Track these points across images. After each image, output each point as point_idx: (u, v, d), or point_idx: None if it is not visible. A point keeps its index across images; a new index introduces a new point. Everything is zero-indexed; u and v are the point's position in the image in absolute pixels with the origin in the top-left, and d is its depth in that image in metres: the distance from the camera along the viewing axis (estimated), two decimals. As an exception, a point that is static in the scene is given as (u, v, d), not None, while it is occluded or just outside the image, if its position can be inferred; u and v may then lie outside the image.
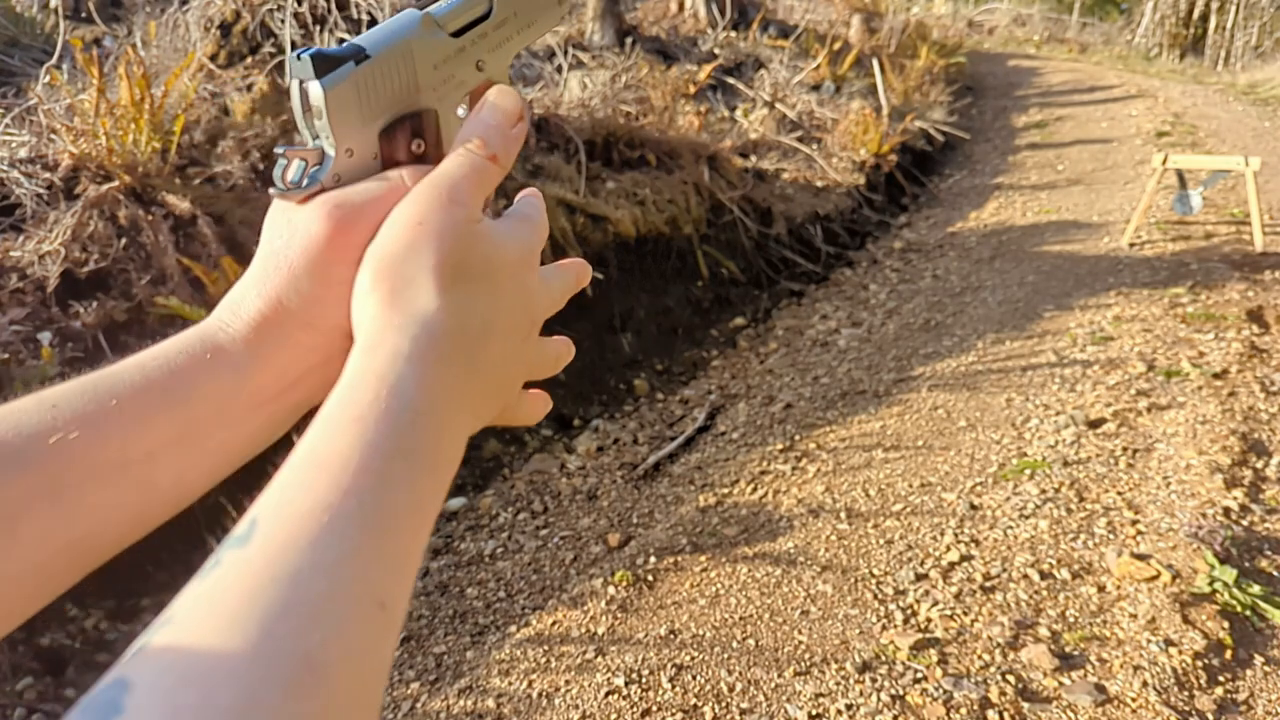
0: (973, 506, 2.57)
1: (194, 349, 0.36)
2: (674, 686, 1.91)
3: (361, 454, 0.29)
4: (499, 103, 0.39)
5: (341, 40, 4.02)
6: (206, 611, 0.24)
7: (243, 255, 3.01)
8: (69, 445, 0.33)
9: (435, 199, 0.35)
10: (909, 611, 2.11)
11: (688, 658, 2.00)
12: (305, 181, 0.36)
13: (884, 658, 1.95)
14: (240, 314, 0.37)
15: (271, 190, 0.36)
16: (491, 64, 0.41)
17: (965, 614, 2.08)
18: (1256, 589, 2.08)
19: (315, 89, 0.34)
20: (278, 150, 0.36)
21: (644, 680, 1.94)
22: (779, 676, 1.92)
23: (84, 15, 5.04)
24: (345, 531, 0.27)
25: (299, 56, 0.35)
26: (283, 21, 3.98)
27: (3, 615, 0.32)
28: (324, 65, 0.34)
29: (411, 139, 0.39)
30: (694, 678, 1.94)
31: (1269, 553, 2.25)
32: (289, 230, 0.36)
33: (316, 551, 0.26)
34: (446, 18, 0.38)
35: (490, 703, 1.92)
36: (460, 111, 0.41)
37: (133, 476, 0.34)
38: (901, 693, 1.84)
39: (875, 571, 2.29)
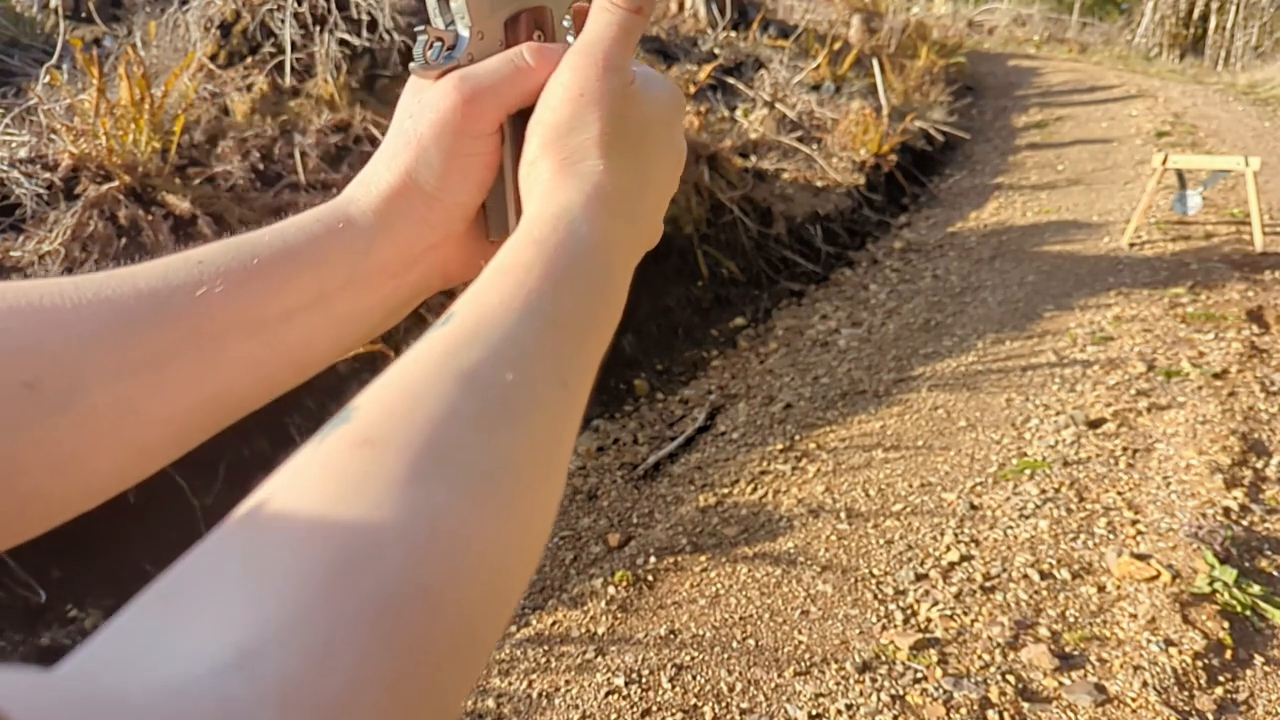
0: (973, 506, 2.57)
1: (328, 219, 0.39)
2: (674, 686, 1.91)
3: (542, 265, 0.32)
4: None
5: (342, 41, 4.01)
6: (411, 359, 0.27)
7: (243, 255, 3.01)
8: (213, 299, 0.35)
9: (591, 68, 0.37)
10: (909, 611, 2.11)
11: (688, 658, 2.00)
12: (442, 59, 0.39)
13: (884, 658, 1.95)
14: (371, 188, 0.39)
15: (411, 65, 0.39)
16: None
17: (965, 614, 2.08)
18: (1256, 589, 2.08)
19: None
20: (418, 29, 0.39)
21: (644, 680, 1.94)
22: (779, 676, 1.92)
23: (84, 15, 5.04)
24: (532, 316, 0.30)
25: None
26: (283, 21, 3.97)
27: (148, 455, 0.35)
28: None
29: (533, 30, 0.42)
30: (694, 678, 1.94)
31: (1269, 553, 2.25)
32: (419, 108, 0.39)
33: (507, 328, 0.29)
34: None
35: (490, 703, 1.92)
36: (566, 22, 0.43)
37: (268, 335, 0.37)
38: (901, 693, 1.84)
39: (875, 571, 2.29)
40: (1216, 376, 3.29)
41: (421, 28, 0.39)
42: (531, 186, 0.37)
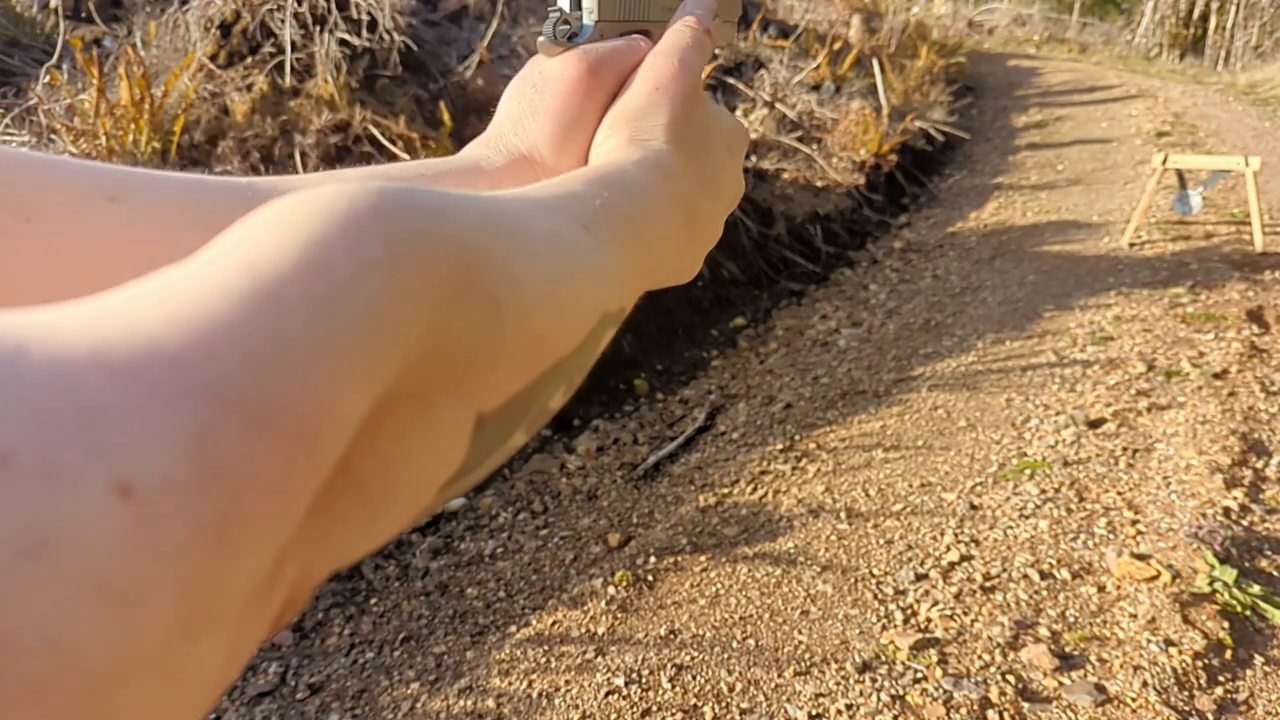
0: (973, 506, 2.57)
1: (462, 168, 0.41)
2: (674, 686, 1.91)
3: (583, 172, 0.33)
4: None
5: (342, 41, 4.00)
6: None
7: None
8: None
9: (668, 67, 0.41)
10: (909, 611, 2.11)
11: (688, 658, 2.00)
12: (565, 39, 0.43)
13: (884, 658, 1.95)
14: (501, 149, 0.41)
15: (541, 38, 0.43)
16: None
17: (965, 614, 2.08)
18: (1256, 589, 2.08)
19: None
20: (551, 9, 0.43)
21: (644, 680, 1.94)
22: (779, 676, 1.92)
23: (84, 15, 5.04)
24: (560, 186, 0.31)
25: None
26: (283, 21, 3.97)
27: None
28: None
29: None
30: (694, 678, 1.94)
31: (1269, 553, 2.25)
32: (542, 80, 0.41)
33: (535, 190, 0.30)
34: None
35: (490, 703, 1.92)
36: None
37: None
38: (901, 693, 1.84)
39: (875, 571, 2.29)
40: (1216, 376, 3.29)
41: (555, 9, 0.43)
42: (599, 150, 0.39)
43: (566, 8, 0.44)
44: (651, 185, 0.35)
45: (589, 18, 0.43)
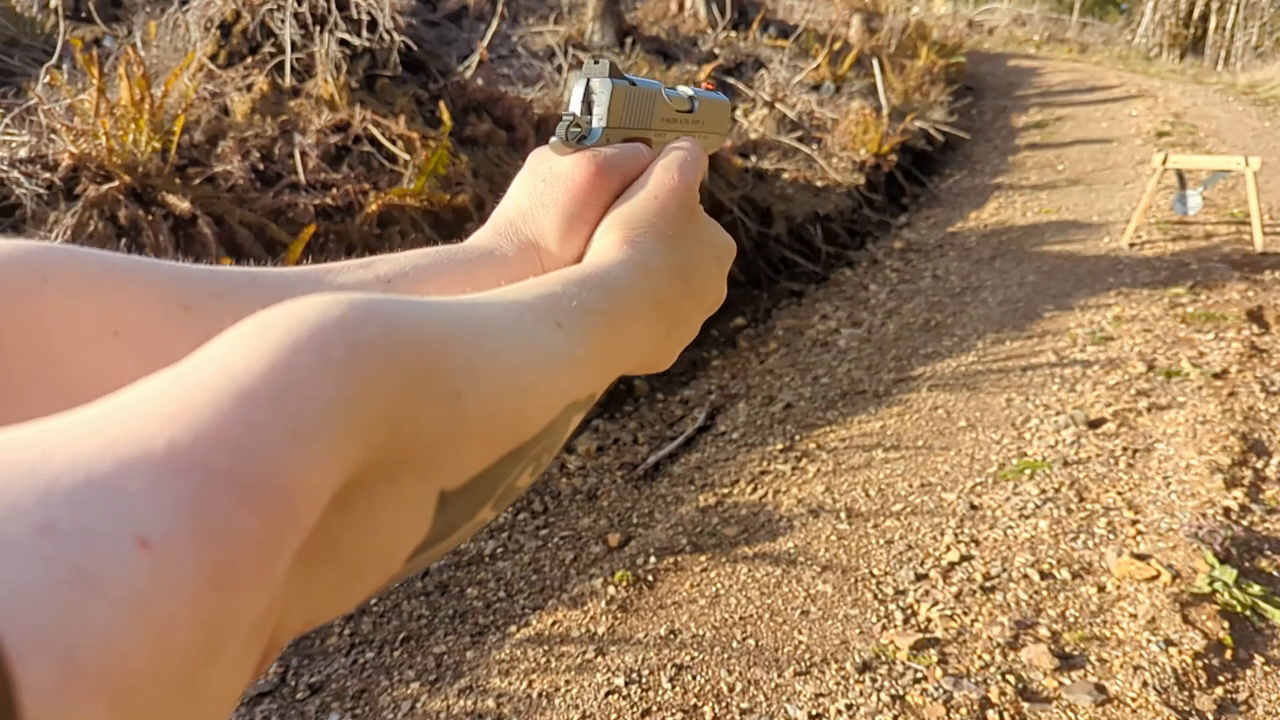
0: (973, 506, 2.57)
1: (478, 256, 0.44)
2: (674, 686, 1.91)
3: (566, 273, 0.37)
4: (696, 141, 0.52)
5: (342, 41, 4.00)
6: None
7: (242, 255, 3.01)
8: (409, 286, 0.40)
9: (668, 178, 0.45)
10: (909, 611, 2.11)
11: (688, 658, 2.00)
12: (575, 142, 0.47)
13: (884, 658, 1.95)
14: (512, 239, 0.45)
15: (553, 140, 0.47)
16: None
17: (965, 614, 2.08)
18: (1256, 589, 2.08)
19: (606, 83, 0.48)
20: (565, 114, 0.47)
21: (644, 680, 1.94)
22: (779, 676, 1.92)
23: (84, 15, 5.04)
24: (542, 286, 0.34)
25: (596, 60, 0.49)
26: (283, 21, 3.97)
27: None
28: (615, 72, 0.49)
29: None
30: (694, 678, 1.94)
31: (1269, 553, 2.25)
32: (553, 175, 0.45)
33: (517, 289, 0.34)
34: (673, 99, 0.55)
35: (490, 703, 1.92)
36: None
37: None
38: (901, 693, 1.84)
39: (875, 571, 2.29)
40: (1216, 376, 3.29)
41: (569, 113, 0.48)
42: (595, 248, 0.43)
43: (578, 112, 0.48)
44: (633, 286, 0.39)
45: (598, 123, 0.48)
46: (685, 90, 0.57)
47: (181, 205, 2.96)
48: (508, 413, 0.28)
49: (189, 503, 0.17)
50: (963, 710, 1.77)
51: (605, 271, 0.39)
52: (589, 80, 0.49)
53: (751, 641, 2.04)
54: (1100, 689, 1.80)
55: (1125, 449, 2.81)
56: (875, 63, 8.34)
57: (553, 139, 0.47)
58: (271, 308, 0.22)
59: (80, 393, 0.28)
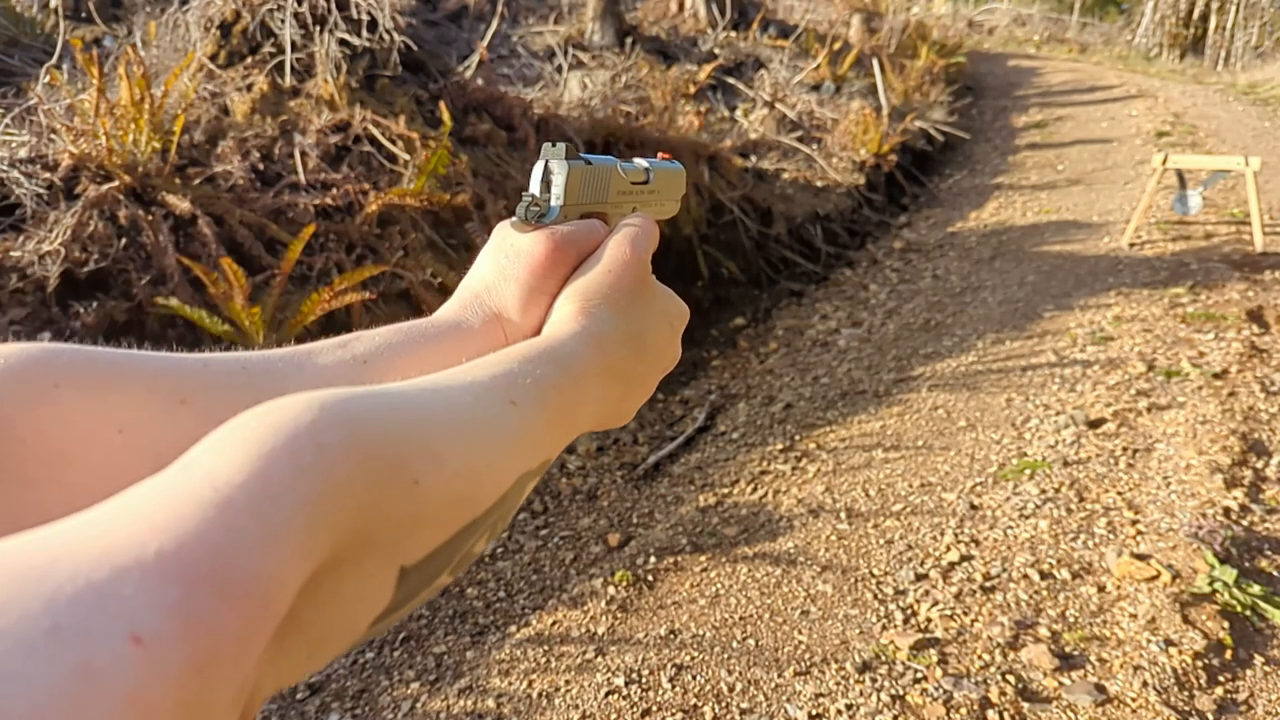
0: (973, 506, 2.57)
1: (445, 329, 0.47)
2: (674, 686, 1.91)
3: (523, 349, 0.40)
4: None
5: (342, 41, 4.00)
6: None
7: (242, 255, 3.01)
8: (379, 373, 0.43)
9: (621, 253, 0.49)
10: (909, 611, 2.11)
11: (688, 658, 2.00)
12: (535, 220, 0.51)
13: (884, 658, 1.95)
14: (477, 311, 0.48)
15: (512, 220, 0.50)
16: (639, 210, 0.62)
17: (965, 614, 2.08)
18: (1256, 589, 2.08)
19: (562, 165, 0.51)
20: (524, 193, 0.51)
21: (644, 680, 1.94)
22: (779, 676, 1.92)
23: (84, 15, 5.04)
24: (495, 364, 0.37)
25: (554, 144, 0.52)
26: (283, 21, 3.97)
27: None
28: (570, 154, 0.52)
29: None
30: (694, 678, 1.94)
31: (1269, 553, 2.25)
32: (514, 252, 0.48)
33: (474, 366, 0.37)
34: (628, 172, 0.58)
35: (490, 703, 1.92)
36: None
37: None
38: (901, 693, 1.84)
39: (875, 571, 2.29)
40: (1216, 376, 3.29)
41: (528, 194, 0.51)
42: (553, 319, 0.46)
43: (537, 193, 0.51)
44: (586, 357, 0.43)
45: (555, 202, 0.51)
46: (641, 163, 0.60)
47: (181, 205, 2.96)
48: (462, 492, 0.31)
49: (176, 604, 0.20)
50: (963, 710, 1.77)
51: (560, 345, 0.42)
52: (547, 162, 0.52)
53: (751, 641, 2.04)
54: (1100, 689, 1.80)
55: (1125, 449, 2.81)
56: (875, 63, 8.34)
57: (513, 218, 0.51)
58: (254, 409, 0.26)
59: (90, 489, 0.31)
